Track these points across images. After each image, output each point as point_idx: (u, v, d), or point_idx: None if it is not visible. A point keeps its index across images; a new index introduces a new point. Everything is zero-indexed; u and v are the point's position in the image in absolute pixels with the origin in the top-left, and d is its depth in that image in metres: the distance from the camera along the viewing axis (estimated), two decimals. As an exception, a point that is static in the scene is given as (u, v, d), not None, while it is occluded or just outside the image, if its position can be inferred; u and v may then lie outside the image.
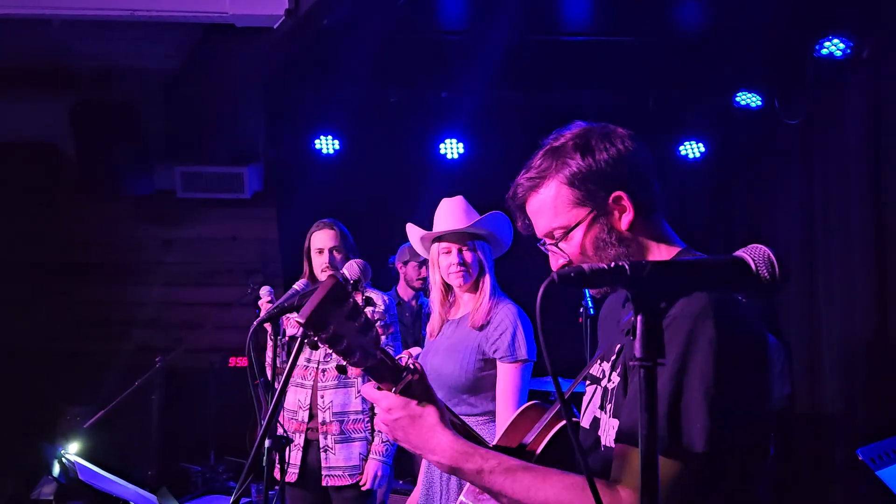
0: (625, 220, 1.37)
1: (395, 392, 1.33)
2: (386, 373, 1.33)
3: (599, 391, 1.43)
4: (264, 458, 2.66)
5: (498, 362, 2.63)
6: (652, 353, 0.87)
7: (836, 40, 4.29)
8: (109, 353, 5.44)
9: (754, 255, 0.96)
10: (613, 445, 1.29)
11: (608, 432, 1.35)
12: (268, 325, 3.07)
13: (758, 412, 1.26)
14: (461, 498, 1.52)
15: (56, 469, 2.59)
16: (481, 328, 2.67)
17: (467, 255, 2.71)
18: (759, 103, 5.12)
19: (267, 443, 2.70)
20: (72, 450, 3.18)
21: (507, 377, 2.60)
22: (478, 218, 2.75)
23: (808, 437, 4.88)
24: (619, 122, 1.66)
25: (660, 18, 4.90)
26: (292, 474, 3.25)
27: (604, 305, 1.63)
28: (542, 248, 1.45)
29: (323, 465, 3.23)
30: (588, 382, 1.50)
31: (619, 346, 1.39)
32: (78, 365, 5.42)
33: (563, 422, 1.51)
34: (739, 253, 0.97)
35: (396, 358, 1.37)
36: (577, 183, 1.37)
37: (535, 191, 1.42)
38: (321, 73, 5.33)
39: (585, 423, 1.46)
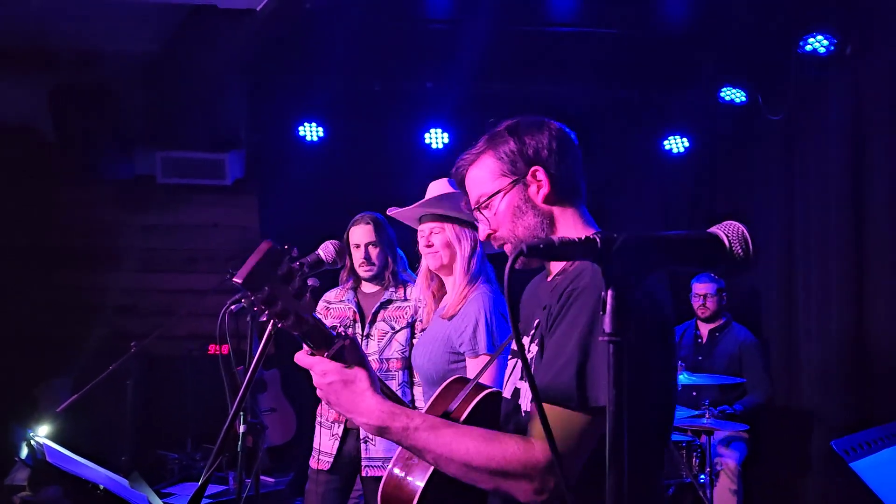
0: (541, 194, 1.53)
1: (327, 356, 1.40)
2: (319, 338, 1.39)
3: (520, 364, 1.54)
4: (238, 444, 2.63)
5: (465, 356, 2.55)
6: (622, 329, 0.86)
7: (819, 37, 4.31)
8: (86, 338, 5.38)
9: (728, 231, 0.95)
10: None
11: (527, 398, 1.48)
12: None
13: (656, 376, 1.39)
14: (389, 466, 1.60)
15: (24, 451, 2.55)
16: (451, 318, 2.60)
17: (434, 238, 2.65)
18: (744, 99, 5.14)
19: (241, 429, 2.68)
20: (41, 432, 3.13)
21: (470, 373, 2.49)
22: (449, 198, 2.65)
23: (785, 430, 4.91)
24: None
25: (645, 12, 4.90)
26: (325, 462, 3.26)
27: (527, 287, 1.75)
28: (475, 219, 1.62)
29: (363, 455, 3.21)
30: (510, 357, 1.64)
31: (537, 320, 1.50)
32: (54, 350, 5.34)
33: (485, 392, 1.65)
34: (714, 229, 0.96)
35: (329, 326, 1.43)
36: (503, 157, 1.56)
37: (472, 165, 1.61)
38: (305, 59, 5.28)
39: (507, 393, 1.58)
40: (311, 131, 5.73)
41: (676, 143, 5.81)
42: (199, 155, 5.62)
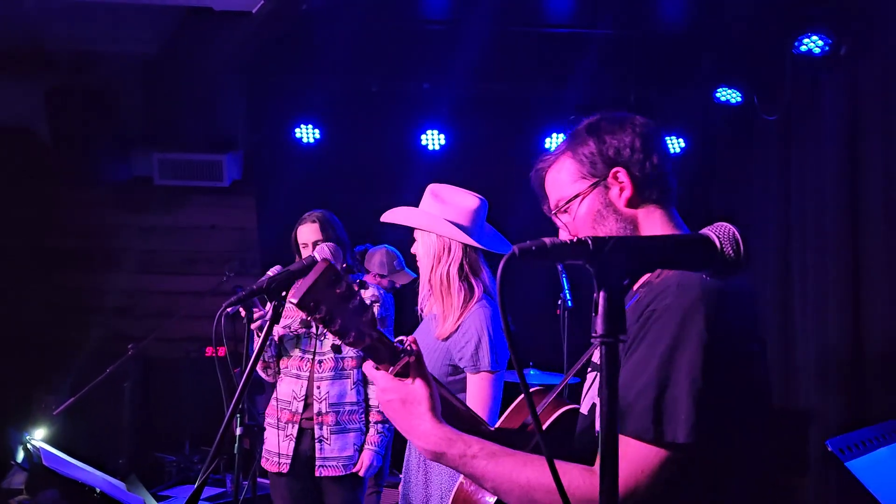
0: (623, 197, 1.42)
1: (391, 373, 1.37)
2: (384, 353, 1.37)
3: (599, 378, 1.43)
4: (235, 446, 2.63)
5: (465, 371, 2.55)
6: (614, 330, 0.86)
7: (814, 37, 4.31)
8: (84, 341, 5.38)
9: (719, 232, 0.95)
10: None
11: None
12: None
13: (746, 409, 1.27)
14: (460, 479, 1.52)
15: (20, 455, 2.55)
16: (448, 337, 2.57)
17: (414, 247, 2.68)
18: (739, 99, 5.14)
19: (238, 430, 2.68)
20: (38, 435, 3.13)
21: (472, 387, 2.52)
22: (421, 209, 2.66)
23: (782, 430, 4.92)
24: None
25: (641, 13, 4.91)
26: (284, 465, 3.25)
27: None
28: (557, 223, 1.53)
29: (317, 455, 3.23)
30: (590, 369, 1.52)
31: None
32: (52, 352, 5.35)
33: (565, 408, 1.54)
34: (705, 231, 0.96)
35: (395, 341, 1.39)
36: (582, 158, 1.46)
37: (551, 168, 1.53)
38: (302, 61, 5.29)
39: (584, 408, 1.47)
40: (307, 133, 5.74)
41: (672, 144, 5.82)
42: (196, 156, 5.63)
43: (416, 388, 1.35)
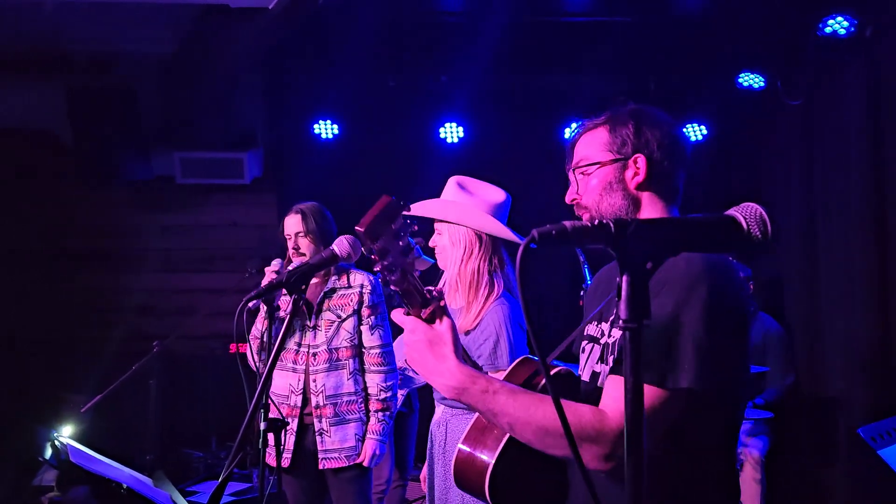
0: (635, 180, 1.58)
1: (423, 317, 1.44)
2: (416, 298, 1.43)
3: (598, 348, 1.60)
4: (260, 441, 2.63)
5: (484, 369, 2.55)
6: (638, 315, 0.84)
7: (839, 18, 4.23)
8: (108, 340, 5.43)
9: (746, 213, 0.93)
10: None
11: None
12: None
13: (734, 368, 1.46)
14: (460, 442, 1.59)
15: (48, 451, 2.57)
16: (468, 333, 2.56)
17: (436, 239, 2.66)
18: (762, 84, 5.06)
19: (262, 425, 2.68)
20: (65, 432, 3.16)
21: None
22: (453, 201, 2.63)
23: (810, 419, 4.85)
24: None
25: (661, -1, 4.84)
26: (286, 459, 3.22)
27: (594, 278, 1.82)
28: (570, 177, 1.67)
29: (319, 448, 3.21)
30: (585, 342, 1.68)
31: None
32: (76, 352, 5.40)
33: (558, 369, 1.69)
34: (731, 211, 0.94)
35: (424, 289, 1.45)
36: (616, 134, 1.61)
37: (587, 132, 1.67)
38: (319, 56, 5.29)
39: (585, 375, 1.63)
40: (326, 128, 5.74)
41: (694, 131, 5.75)
42: (218, 155, 5.65)
43: (444, 329, 1.44)
